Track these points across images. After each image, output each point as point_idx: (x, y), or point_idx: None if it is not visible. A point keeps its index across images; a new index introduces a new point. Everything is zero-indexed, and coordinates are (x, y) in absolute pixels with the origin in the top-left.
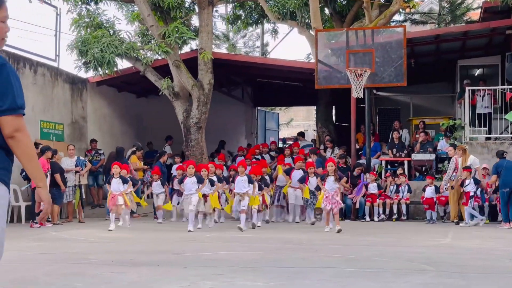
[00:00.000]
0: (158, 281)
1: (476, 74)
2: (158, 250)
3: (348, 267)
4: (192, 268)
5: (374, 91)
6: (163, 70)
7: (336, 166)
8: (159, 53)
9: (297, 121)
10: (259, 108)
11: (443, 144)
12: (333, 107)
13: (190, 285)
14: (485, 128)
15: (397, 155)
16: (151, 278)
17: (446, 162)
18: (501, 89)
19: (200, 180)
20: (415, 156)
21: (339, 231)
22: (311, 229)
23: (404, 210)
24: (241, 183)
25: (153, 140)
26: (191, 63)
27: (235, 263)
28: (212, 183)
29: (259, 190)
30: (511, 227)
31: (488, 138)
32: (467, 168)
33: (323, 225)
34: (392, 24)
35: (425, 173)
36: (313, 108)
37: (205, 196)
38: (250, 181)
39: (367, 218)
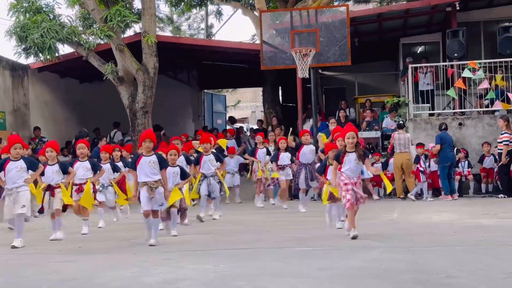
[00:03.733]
0: (107, 269)
1: (418, 52)
2: (108, 237)
3: (298, 247)
4: (142, 254)
5: (320, 71)
6: (107, 55)
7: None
8: (102, 37)
9: (244, 102)
10: (205, 90)
11: (388, 122)
12: (280, 88)
13: (140, 271)
14: (428, 105)
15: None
16: (101, 265)
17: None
18: (443, 65)
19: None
20: (362, 134)
21: (354, 237)
22: (265, 210)
23: None
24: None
25: (100, 126)
26: (135, 47)
27: (186, 247)
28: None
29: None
30: (453, 198)
31: (431, 114)
32: (420, 145)
33: (292, 209)
34: (335, 3)
35: (372, 151)
36: (260, 89)
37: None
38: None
39: (316, 198)
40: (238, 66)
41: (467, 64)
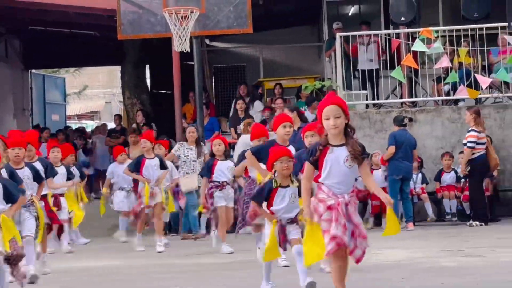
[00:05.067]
0: None
1: (350, 14)
2: None
3: None
4: None
5: (207, 42)
6: None
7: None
8: None
9: (94, 88)
10: (33, 70)
11: (307, 116)
12: (147, 67)
13: None
14: (364, 92)
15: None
16: None
17: None
18: (384, 34)
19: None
20: (270, 134)
21: None
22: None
23: None
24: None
25: None
26: None
27: None
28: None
29: None
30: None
31: (373, 105)
32: None
33: None
34: None
35: None
36: (118, 69)
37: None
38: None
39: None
40: (83, 33)
41: (418, 32)
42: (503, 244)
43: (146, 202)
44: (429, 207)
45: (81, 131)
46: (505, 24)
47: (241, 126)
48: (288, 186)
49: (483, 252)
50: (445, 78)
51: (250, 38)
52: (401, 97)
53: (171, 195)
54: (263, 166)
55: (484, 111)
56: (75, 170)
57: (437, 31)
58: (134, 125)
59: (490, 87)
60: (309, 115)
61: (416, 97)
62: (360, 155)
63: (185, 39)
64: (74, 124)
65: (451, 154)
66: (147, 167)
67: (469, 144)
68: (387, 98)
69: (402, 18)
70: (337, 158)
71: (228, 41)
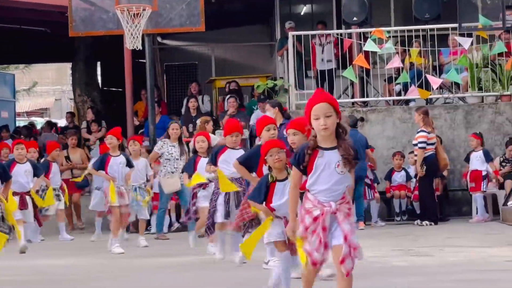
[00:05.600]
0: None
1: (303, 13)
2: None
3: None
4: None
5: (159, 40)
6: None
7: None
8: None
9: (44, 85)
10: None
11: (258, 115)
12: (98, 64)
13: None
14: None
15: (195, 132)
16: None
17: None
18: (337, 34)
19: None
20: (221, 133)
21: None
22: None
23: None
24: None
25: None
26: None
27: None
28: None
29: None
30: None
31: None
32: None
33: None
34: None
35: None
36: (68, 66)
37: None
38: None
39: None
40: (34, 30)
41: (370, 32)
42: (452, 244)
43: (112, 200)
44: (375, 210)
45: (29, 128)
46: (456, 25)
47: (198, 122)
48: (286, 179)
49: (432, 252)
50: (396, 78)
51: (202, 36)
52: (352, 97)
53: (150, 193)
54: (254, 175)
55: (435, 111)
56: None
57: (388, 31)
58: (84, 123)
59: (440, 87)
60: (260, 114)
61: (367, 97)
62: (353, 162)
63: (137, 37)
64: (23, 121)
65: (402, 153)
66: (112, 165)
67: (420, 145)
68: (338, 97)
69: (354, 18)
70: (328, 163)
71: (180, 39)
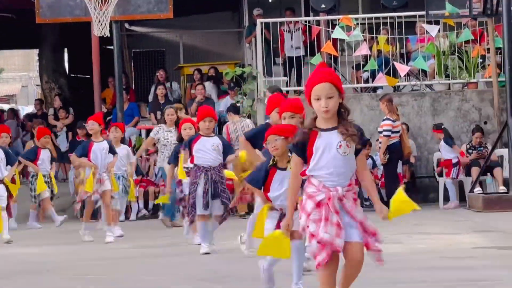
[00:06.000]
0: None
1: (271, 0)
2: None
3: None
4: None
5: (127, 26)
6: None
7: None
8: None
9: (10, 72)
10: None
11: (227, 102)
12: (65, 50)
13: None
14: (285, 78)
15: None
16: None
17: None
18: (304, 21)
19: None
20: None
21: None
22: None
23: None
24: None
25: None
26: None
27: None
28: None
29: None
30: None
31: (294, 91)
32: None
33: None
34: None
35: None
36: (34, 52)
37: None
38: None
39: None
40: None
41: (338, 20)
42: (420, 231)
43: (86, 188)
44: None
45: None
46: (423, 12)
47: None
48: (285, 168)
49: (400, 239)
50: (364, 66)
51: (170, 23)
52: None
53: (132, 181)
54: (258, 152)
55: (402, 98)
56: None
57: (356, 19)
58: (51, 110)
59: (408, 74)
60: (229, 101)
61: None
62: (355, 138)
63: (105, 24)
64: None
65: (370, 141)
66: (94, 151)
67: (384, 133)
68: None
69: (322, 6)
70: (328, 145)
71: (147, 25)
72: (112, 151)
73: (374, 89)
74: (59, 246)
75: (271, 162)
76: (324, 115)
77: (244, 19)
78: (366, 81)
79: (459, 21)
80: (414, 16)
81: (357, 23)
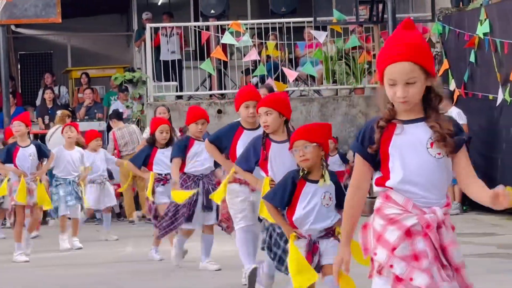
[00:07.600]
0: None
1: (160, 4)
2: None
3: None
4: None
5: (13, 28)
6: None
7: None
8: None
9: None
10: None
11: (118, 107)
12: None
13: None
14: (175, 83)
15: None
16: None
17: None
18: (194, 26)
19: None
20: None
21: None
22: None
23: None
24: None
25: None
26: None
27: None
28: None
29: None
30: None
31: (180, 97)
32: None
33: None
34: None
35: None
36: None
37: None
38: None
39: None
40: None
41: (228, 25)
42: None
43: (18, 198)
44: None
45: None
46: (311, 19)
47: (59, 113)
48: (318, 181)
49: None
50: (253, 71)
51: (58, 25)
52: (210, 89)
53: (83, 186)
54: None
55: (291, 104)
56: None
57: (246, 24)
58: None
59: (296, 80)
60: (119, 106)
61: (225, 89)
62: (452, 136)
63: None
64: None
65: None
66: (19, 157)
67: None
68: (196, 90)
69: (212, 11)
70: (413, 143)
71: (35, 27)
72: (42, 154)
73: None
74: None
75: (300, 173)
76: (401, 106)
77: (133, 22)
78: (256, 86)
79: (346, 28)
80: (303, 22)
81: (247, 28)
